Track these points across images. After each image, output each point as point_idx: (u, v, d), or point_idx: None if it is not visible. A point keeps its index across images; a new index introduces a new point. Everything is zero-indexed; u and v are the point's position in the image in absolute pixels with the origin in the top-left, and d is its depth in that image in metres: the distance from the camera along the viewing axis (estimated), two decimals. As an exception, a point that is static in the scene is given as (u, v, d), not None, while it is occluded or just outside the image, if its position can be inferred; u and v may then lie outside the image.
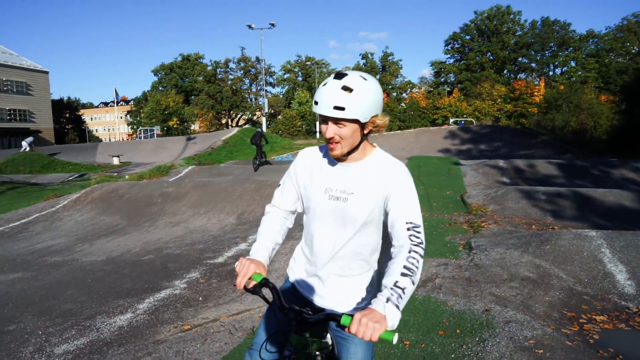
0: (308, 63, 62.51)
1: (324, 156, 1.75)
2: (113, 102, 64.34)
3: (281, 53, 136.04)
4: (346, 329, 1.31)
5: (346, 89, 1.51)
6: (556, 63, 57.05)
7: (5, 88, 48.26)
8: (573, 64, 55.50)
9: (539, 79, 51.83)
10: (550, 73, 57.76)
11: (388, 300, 1.33)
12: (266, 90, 55.22)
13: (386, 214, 1.61)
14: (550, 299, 4.16)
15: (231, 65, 64.01)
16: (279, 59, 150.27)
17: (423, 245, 1.50)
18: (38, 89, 52.05)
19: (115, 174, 19.00)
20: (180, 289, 5.05)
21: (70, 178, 19.93)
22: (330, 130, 1.57)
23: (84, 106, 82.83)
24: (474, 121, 41.14)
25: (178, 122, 48.43)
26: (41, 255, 7.06)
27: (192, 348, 3.49)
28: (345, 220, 1.65)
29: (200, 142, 32.64)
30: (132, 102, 70.17)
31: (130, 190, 11.19)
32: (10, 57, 51.20)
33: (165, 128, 47.51)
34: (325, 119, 1.57)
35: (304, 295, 1.81)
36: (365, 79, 1.55)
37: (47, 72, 53.99)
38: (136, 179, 14.54)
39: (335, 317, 1.39)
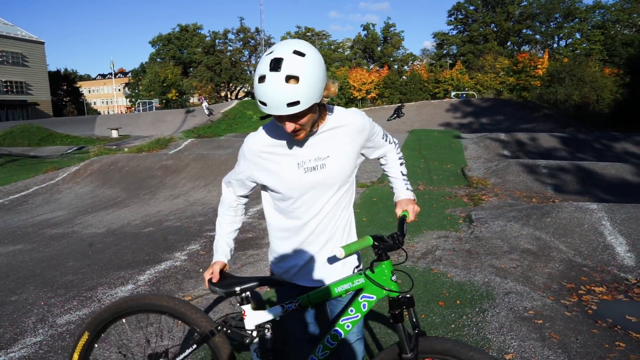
0: (308, 34, 61.35)
1: (279, 136, 1.62)
2: (110, 74, 63.56)
3: (281, 24, 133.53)
4: (408, 220, 1.75)
5: (291, 78, 1.35)
6: (561, 35, 55.95)
7: (0, 59, 47.52)
8: (578, 35, 54.44)
9: (542, 52, 50.84)
10: (555, 45, 56.77)
11: (407, 188, 1.91)
12: (265, 62, 54.09)
13: (369, 145, 1.79)
14: (550, 270, 4.17)
15: (230, 36, 62.89)
16: (279, 30, 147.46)
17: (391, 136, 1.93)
18: (34, 61, 51.24)
19: (114, 146, 18.89)
20: (181, 260, 5.06)
21: (69, 151, 19.83)
22: (290, 125, 1.46)
23: (82, 78, 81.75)
24: (475, 94, 40.68)
25: (177, 95, 47.88)
26: (41, 228, 7.07)
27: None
28: (328, 185, 1.64)
29: (200, 115, 32.37)
30: (129, 74, 69.18)
31: (129, 163, 11.14)
32: (5, 27, 50.19)
33: (164, 100, 47.01)
34: (280, 115, 1.44)
35: (303, 285, 1.75)
36: (302, 55, 1.37)
37: (43, 43, 53.04)
38: (135, 151, 14.46)
39: (403, 223, 1.71)
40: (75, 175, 10.97)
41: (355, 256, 1.79)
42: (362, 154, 1.80)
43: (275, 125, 1.61)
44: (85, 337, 1.78)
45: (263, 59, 1.40)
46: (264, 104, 1.40)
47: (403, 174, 1.94)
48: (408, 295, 1.56)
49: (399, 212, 1.79)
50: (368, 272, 1.58)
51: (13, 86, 48.90)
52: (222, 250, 1.81)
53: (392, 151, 1.93)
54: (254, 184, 1.77)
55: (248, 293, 1.67)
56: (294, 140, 1.58)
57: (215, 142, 17.17)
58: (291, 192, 1.64)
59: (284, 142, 1.62)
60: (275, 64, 1.35)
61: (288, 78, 1.35)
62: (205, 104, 30.75)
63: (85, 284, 4.44)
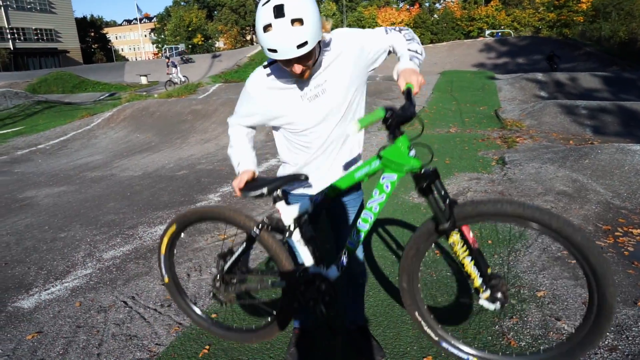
0: (335, -29, 58.38)
1: (278, 74, 1.69)
2: (136, 19, 62.91)
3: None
4: (413, 92, 1.54)
5: (295, 21, 1.41)
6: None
7: (28, 6, 47.59)
8: (630, -36, 49.80)
9: (588, -17, 46.97)
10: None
11: (411, 59, 1.64)
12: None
13: (370, 59, 1.75)
14: (585, 212, 4.09)
15: (254, -25, 60.65)
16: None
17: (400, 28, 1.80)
18: (61, 7, 51.12)
19: (145, 92, 19.08)
20: (215, 201, 5.22)
21: (102, 97, 20.19)
22: (298, 67, 1.53)
23: (108, 24, 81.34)
24: (512, 32, 38.45)
25: (202, 39, 47.28)
26: (82, 171, 7.37)
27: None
28: (335, 107, 1.72)
29: (226, 60, 32.05)
30: (155, 19, 68.31)
31: (160, 108, 11.28)
32: (29, -28, 49.79)
33: (190, 46, 46.57)
34: (289, 59, 1.49)
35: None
36: (298, 1, 1.43)
37: (67, -12, 52.58)
38: (165, 97, 14.59)
39: (409, 94, 1.53)
40: (109, 121, 11.24)
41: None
42: (373, 67, 1.80)
43: (275, 66, 1.66)
44: (173, 228, 2.13)
45: (263, 8, 1.45)
46: (274, 50, 1.46)
47: (410, 49, 1.70)
48: (431, 169, 1.55)
49: (402, 84, 1.58)
50: (382, 152, 1.57)
51: (43, 34, 49.26)
52: (248, 159, 1.87)
53: (399, 36, 1.77)
54: (259, 124, 1.88)
55: (278, 192, 1.76)
56: (291, 75, 1.63)
57: (242, 87, 17.09)
58: (304, 122, 1.73)
59: (284, 79, 1.69)
60: (279, 11, 1.41)
61: (293, 21, 1.41)
62: (174, 69, 21.33)
63: (126, 223, 4.66)
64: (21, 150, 9.39)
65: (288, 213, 1.79)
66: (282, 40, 1.43)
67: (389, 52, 1.81)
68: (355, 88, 1.76)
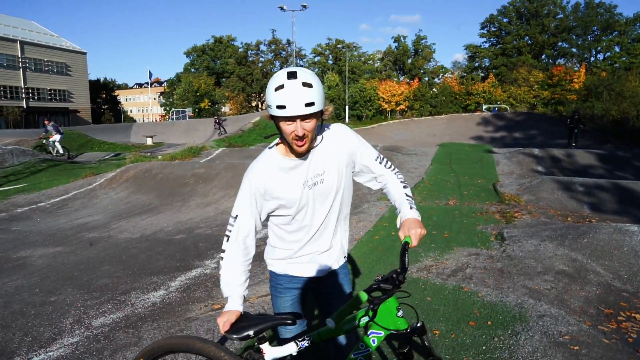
0: (339, 46, 61.84)
1: (278, 163, 1.76)
2: (147, 83, 65.61)
3: (312, 36, 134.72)
4: (411, 245, 1.60)
5: (306, 84, 1.56)
6: (599, 48, 54.37)
7: (46, 68, 49.86)
8: (617, 49, 52.76)
9: (579, 65, 49.46)
10: (592, 59, 55.11)
11: (411, 207, 1.74)
12: (296, 73, 54.79)
13: (354, 165, 1.87)
14: (586, 294, 4.03)
15: (262, 47, 64.20)
16: (310, 42, 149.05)
17: (392, 164, 1.92)
18: (76, 70, 53.56)
19: (149, 154, 19.43)
20: (211, 268, 5.15)
21: (106, 157, 20.53)
22: (300, 128, 1.61)
23: (119, 87, 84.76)
24: (508, 108, 39.89)
25: (209, 104, 48.98)
26: (79, 231, 7.33)
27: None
28: (324, 195, 1.80)
29: (231, 124, 32.96)
30: (165, 83, 71.29)
31: (163, 171, 11.44)
32: (51, 38, 52.76)
33: (196, 110, 48.16)
34: (292, 119, 1.59)
35: (311, 275, 1.91)
36: (309, 72, 1.62)
37: (85, 53, 55.42)
38: (169, 159, 14.84)
39: (404, 253, 1.57)
40: (111, 181, 11.36)
41: (344, 249, 1.95)
42: (355, 173, 1.91)
43: (272, 157, 1.77)
44: None
45: (277, 75, 1.61)
46: (283, 107, 1.56)
47: (408, 195, 1.82)
48: (419, 324, 1.57)
49: (401, 235, 1.64)
50: (372, 314, 1.57)
51: (57, 94, 51.19)
52: (236, 295, 1.79)
53: (391, 174, 1.88)
54: (259, 211, 1.81)
55: (263, 333, 1.72)
56: (293, 162, 1.74)
57: (245, 152, 17.45)
58: (296, 206, 1.79)
59: (286, 168, 1.76)
60: (291, 75, 1.58)
61: (304, 84, 1.56)
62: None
63: (119, 288, 4.57)
64: (21, 208, 9.40)
65: (272, 354, 1.75)
66: (293, 97, 1.55)
67: (374, 180, 1.91)
68: (345, 176, 1.85)
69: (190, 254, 5.77)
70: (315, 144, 1.77)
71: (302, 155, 1.73)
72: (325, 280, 1.95)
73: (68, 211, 9.16)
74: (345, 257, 1.98)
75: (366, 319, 1.60)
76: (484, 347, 3.06)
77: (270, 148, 1.81)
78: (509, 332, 3.26)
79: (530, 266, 4.65)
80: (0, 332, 3.59)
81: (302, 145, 1.66)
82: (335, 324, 1.52)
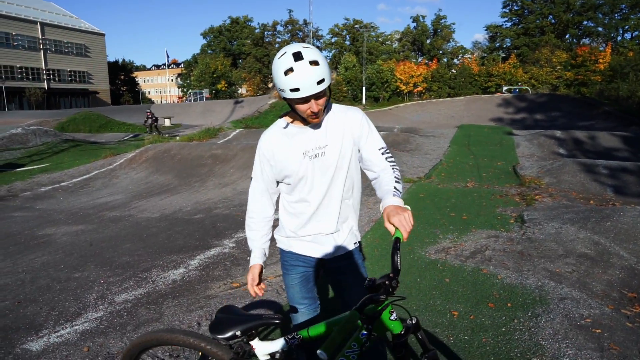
0: (356, 26, 60.83)
1: (284, 130, 1.87)
2: (164, 64, 65.86)
3: (329, 16, 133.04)
4: (403, 239, 1.49)
5: (314, 62, 1.60)
6: (626, 27, 52.27)
7: (66, 50, 50.43)
8: (646, 27, 50.71)
9: (604, 45, 47.73)
10: (619, 38, 53.14)
11: (394, 195, 1.65)
12: (313, 54, 54.28)
13: (359, 151, 1.88)
14: (609, 277, 3.95)
15: (279, 28, 63.62)
16: (327, 22, 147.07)
17: (395, 161, 1.89)
18: (95, 51, 54.06)
19: (167, 135, 19.62)
20: (229, 247, 5.21)
21: (126, 138, 20.81)
22: (315, 105, 1.68)
23: (137, 68, 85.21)
24: (529, 89, 38.93)
25: (226, 85, 48.98)
26: (101, 210, 7.48)
27: (241, 305, 3.62)
28: (327, 170, 1.83)
29: (248, 106, 32.99)
30: (182, 65, 71.42)
31: (181, 151, 11.55)
32: (71, 19, 53.20)
33: (213, 91, 48.23)
34: (306, 99, 1.65)
35: (315, 256, 1.93)
36: (311, 49, 1.64)
37: (103, 35, 55.78)
38: (187, 140, 14.96)
39: (395, 251, 1.46)
40: (131, 162, 11.52)
41: (356, 235, 1.96)
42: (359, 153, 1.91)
43: (280, 127, 1.88)
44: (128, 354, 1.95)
45: (282, 58, 1.63)
46: (296, 89, 1.61)
47: (396, 189, 1.70)
48: (413, 321, 1.48)
49: (390, 228, 1.52)
50: (367, 334, 1.48)
51: (76, 75, 51.83)
52: (258, 249, 1.96)
53: (389, 169, 1.81)
54: (273, 174, 1.92)
55: (253, 331, 1.69)
56: (298, 132, 1.83)
57: (263, 132, 17.43)
58: (297, 179, 1.85)
59: (291, 135, 1.85)
60: (297, 56, 1.60)
61: (311, 63, 1.60)
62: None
63: (140, 266, 4.67)
64: (44, 187, 9.62)
65: (262, 349, 1.74)
66: (304, 78, 1.60)
67: (369, 170, 1.88)
68: (350, 156, 1.86)
69: (209, 233, 5.84)
70: (324, 117, 1.82)
71: (309, 123, 1.80)
72: (337, 264, 1.94)
73: (89, 190, 9.34)
74: (356, 243, 1.96)
75: (362, 335, 1.50)
76: (503, 329, 3.04)
77: (280, 117, 1.92)
78: (529, 314, 3.23)
79: (551, 249, 4.58)
80: (29, 306, 3.71)
81: (317, 117, 1.75)
82: (327, 355, 1.39)
